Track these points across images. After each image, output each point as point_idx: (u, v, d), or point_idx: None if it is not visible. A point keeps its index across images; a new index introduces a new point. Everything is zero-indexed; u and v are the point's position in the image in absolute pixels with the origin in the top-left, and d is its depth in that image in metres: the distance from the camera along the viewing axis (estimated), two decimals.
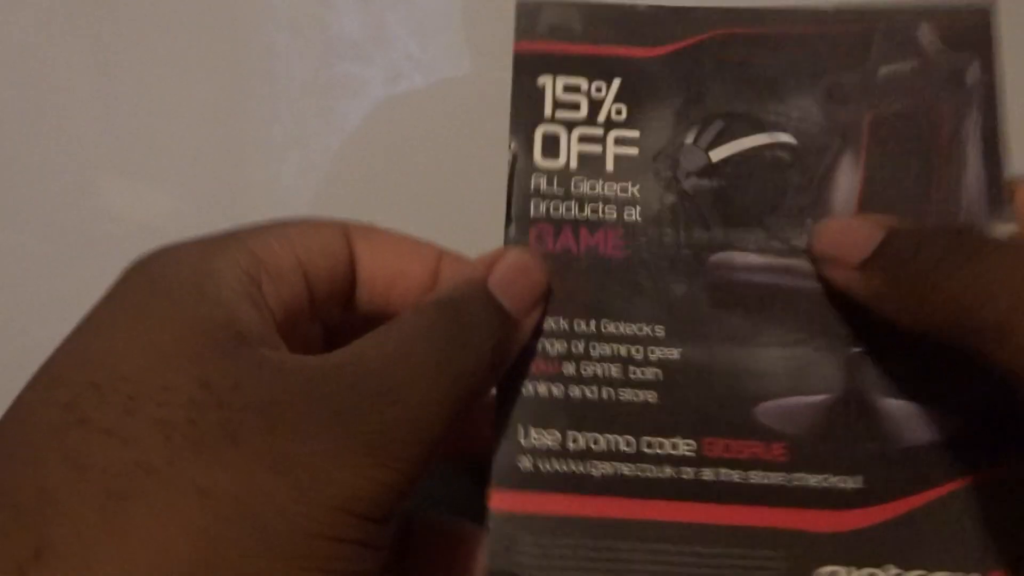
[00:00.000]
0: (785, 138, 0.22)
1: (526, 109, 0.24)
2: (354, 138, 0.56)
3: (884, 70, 0.22)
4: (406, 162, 0.56)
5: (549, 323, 0.22)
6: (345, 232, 0.24)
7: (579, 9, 0.23)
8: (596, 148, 0.23)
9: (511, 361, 0.21)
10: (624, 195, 0.22)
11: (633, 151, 0.22)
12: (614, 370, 0.22)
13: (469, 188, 0.57)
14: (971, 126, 0.22)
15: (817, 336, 0.22)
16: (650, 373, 0.21)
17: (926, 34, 0.22)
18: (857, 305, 0.21)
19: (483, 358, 0.19)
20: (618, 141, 0.22)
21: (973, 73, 0.22)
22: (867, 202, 0.21)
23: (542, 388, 0.22)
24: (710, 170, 0.22)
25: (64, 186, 0.58)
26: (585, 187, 0.22)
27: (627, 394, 0.21)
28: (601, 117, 0.23)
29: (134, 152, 0.57)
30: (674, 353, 0.21)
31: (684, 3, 0.23)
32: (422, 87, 0.55)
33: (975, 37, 0.22)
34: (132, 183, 0.58)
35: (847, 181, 0.21)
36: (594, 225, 0.22)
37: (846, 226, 0.20)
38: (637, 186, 0.22)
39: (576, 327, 0.22)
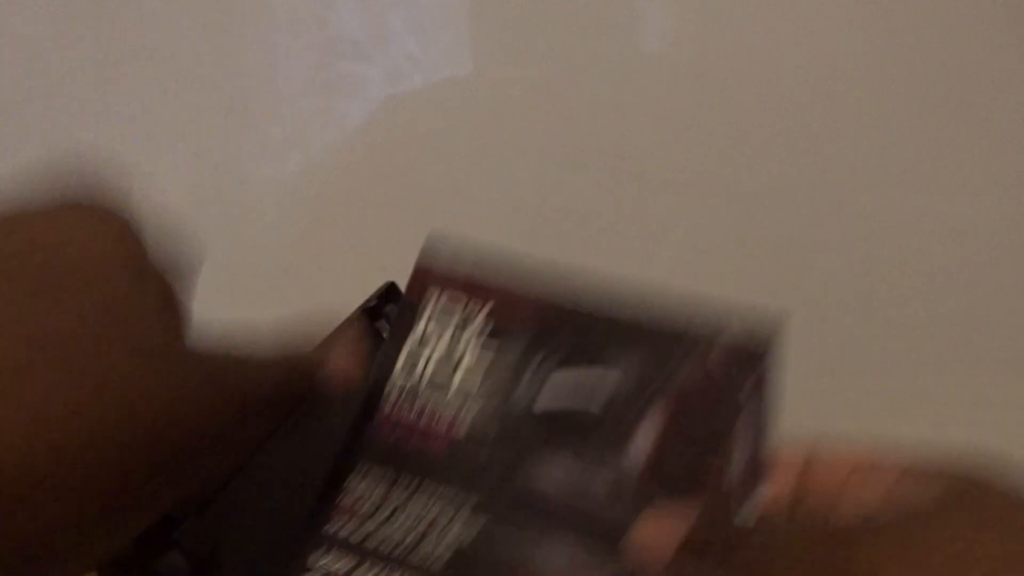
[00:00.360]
0: (611, 372, 0.27)
1: (405, 317, 0.28)
2: (354, 137, 0.56)
3: (691, 355, 0.28)
4: (406, 161, 0.56)
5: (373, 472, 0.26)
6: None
7: (472, 258, 0.29)
8: (447, 370, 0.27)
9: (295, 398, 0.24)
10: (462, 406, 0.26)
11: (478, 376, 0.27)
12: (410, 537, 0.25)
13: (468, 188, 0.57)
14: (745, 421, 0.27)
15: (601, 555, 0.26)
16: (441, 549, 0.24)
17: (721, 347, 0.28)
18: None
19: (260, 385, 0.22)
20: (469, 366, 0.27)
21: (751, 382, 0.28)
22: (655, 462, 0.26)
23: (343, 530, 0.25)
24: (545, 384, 0.27)
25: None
26: (426, 397, 0.27)
27: (416, 559, 0.24)
28: (465, 337, 0.27)
29: (134, 152, 0.57)
30: (466, 540, 0.25)
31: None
32: (422, 87, 0.55)
33: (756, 355, 0.28)
34: (132, 183, 0.58)
35: (643, 443, 0.26)
36: (425, 431, 0.26)
37: (656, 525, 0.24)
38: (474, 404, 0.26)
39: (392, 489, 0.26)
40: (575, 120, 0.54)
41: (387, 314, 0.33)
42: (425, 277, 0.29)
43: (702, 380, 0.27)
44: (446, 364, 0.27)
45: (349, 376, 0.25)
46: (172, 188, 0.58)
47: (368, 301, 0.32)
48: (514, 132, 0.55)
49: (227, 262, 0.58)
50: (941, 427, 0.59)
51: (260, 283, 0.58)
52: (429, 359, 0.27)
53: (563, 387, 0.27)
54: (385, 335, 0.30)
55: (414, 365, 0.27)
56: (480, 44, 0.54)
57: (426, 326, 0.28)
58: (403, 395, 0.27)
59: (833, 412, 0.59)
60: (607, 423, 0.26)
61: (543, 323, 0.28)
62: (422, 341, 0.28)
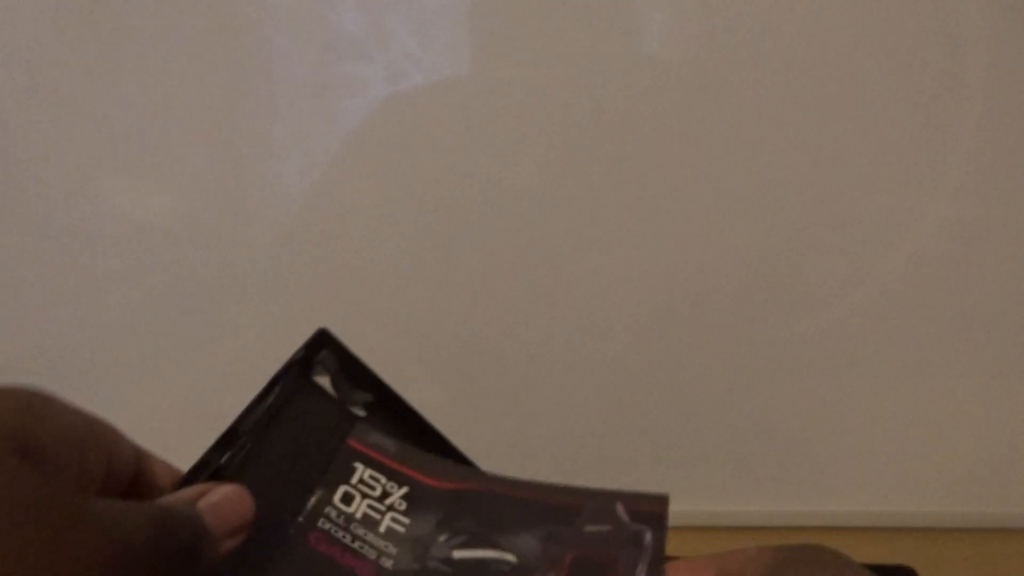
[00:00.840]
0: (509, 556, 0.30)
1: (341, 473, 0.31)
2: (354, 137, 0.56)
3: (588, 528, 0.32)
4: (406, 161, 0.56)
5: None
6: (137, 451, 0.29)
7: (395, 442, 0.33)
8: (377, 515, 0.31)
9: (203, 570, 0.26)
10: (385, 550, 0.30)
11: (402, 529, 0.31)
12: None
13: (468, 187, 0.57)
14: (640, 571, 0.30)
15: None
16: None
17: (620, 509, 0.32)
18: None
19: (173, 559, 0.23)
20: (393, 520, 0.31)
21: (647, 538, 0.31)
22: None
23: None
24: (450, 561, 0.30)
25: (64, 186, 0.58)
26: (360, 531, 0.30)
27: None
28: (387, 502, 0.31)
29: (134, 152, 0.57)
30: None
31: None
32: (422, 86, 0.55)
33: (651, 515, 0.32)
34: (132, 182, 0.58)
35: None
36: (357, 555, 0.29)
37: None
38: (397, 548, 0.30)
39: None
40: (575, 120, 0.54)
41: (320, 361, 0.34)
42: (356, 452, 0.33)
43: (596, 555, 0.31)
44: (375, 511, 0.31)
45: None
46: (172, 188, 0.58)
47: (297, 353, 0.33)
48: (514, 132, 0.55)
49: (227, 261, 0.58)
50: (941, 427, 0.59)
51: (259, 281, 0.58)
52: (361, 503, 0.31)
53: (469, 560, 0.31)
54: (321, 383, 0.34)
55: (350, 500, 0.31)
56: (480, 44, 0.54)
57: (358, 481, 0.32)
58: (340, 519, 0.30)
59: (834, 412, 0.59)
60: None
61: (449, 508, 0.32)
62: (356, 488, 0.31)
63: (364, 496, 0.31)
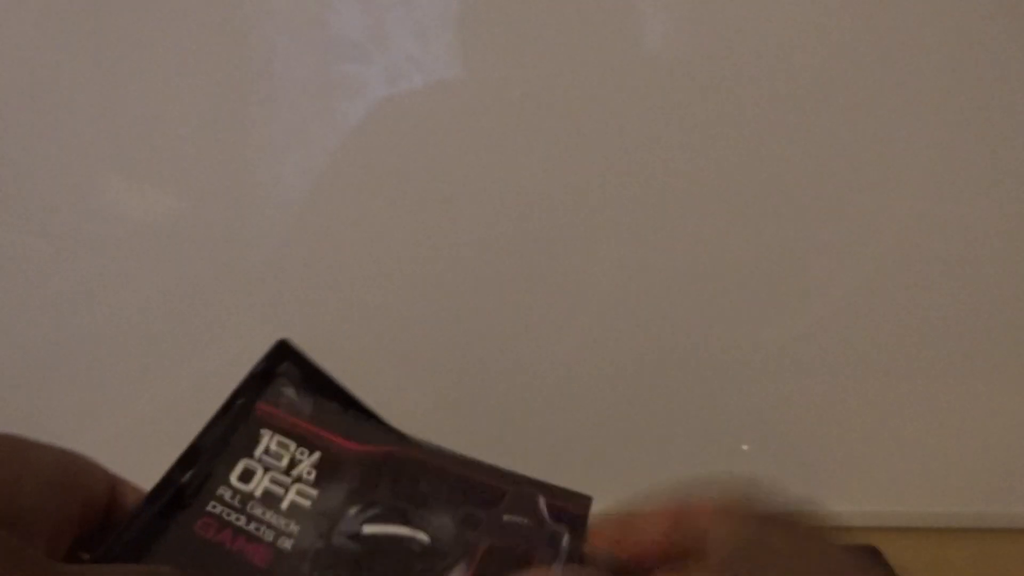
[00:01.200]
0: (422, 536, 0.29)
1: (242, 445, 0.30)
2: (354, 138, 0.56)
3: (507, 517, 0.30)
4: (405, 162, 0.56)
5: None
6: (110, 479, 0.28)
7: (313, 401, 0.31)
8: (280, 490, 0.29)
9: None
10: (286, 529, 0.28)
11: (308, 503, 0.29)
12: None
13: (467, 187, 0.57)
14: (554, 573, 0.29)
15: None
16: None
17: (542, 504, 0.31)
18: None
19: None
20: (299, 493, 0.29)
21: (565, 540, 0.30)
22: None
23: None
24: (359, 537, 0.29)
25: (65, 186, 0.58)
26: (258, 511, 0.28)
27: None
28: (294, 472, 0.30)
29: (135, 152, 0.57)
30: None
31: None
32: (421, 87, 0.55)
33: (573, 516, 0.31)
34: (133, 183, 0.58)
35: None
36: (251, 538, 0.28)
37: None
38: (299, 527, 0.28)
39: None
40: (575, 120, 0.54)
41: (282, 373, 0.33)
42: (265, 416, 0.31)
43: (511, 548, 0.30)
44: (278, 486, 0.29)
45: None
46: (172, 188, 0.58)
47: (257, 365, 0.32)
48: (514, 133, 0.55)
49: (226, 261, 0.59)
50: (941, 427, 0.59)
51: (259, 282, 0.58)
52: (263, 478, 0.29)
53: (378, 536, 0.30)
54: (287, 391, 0.32)
55: (250, 477, 0.29)
56: (480, 46, 0.54)
57: (263, 452, 0.30)
58: (235, 499, 0.28)
59: (834, 412, 0.59)
60: (424, 558, 0.29)
61: (364, 476, 0.30)
62: (259, 461, 0.30)
63: (267, 469, 0.29)
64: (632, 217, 0.56)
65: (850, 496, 0.60)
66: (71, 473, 0.24)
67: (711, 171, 0.55)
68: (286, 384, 0.32)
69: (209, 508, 0.28)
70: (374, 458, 0.31)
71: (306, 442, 0.30)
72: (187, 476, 0.28)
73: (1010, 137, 0.53)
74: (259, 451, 0.30)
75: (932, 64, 0.52)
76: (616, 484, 0.60)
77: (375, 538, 0.29)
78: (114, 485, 0.27)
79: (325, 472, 0.30)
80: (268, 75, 0.55)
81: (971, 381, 0.57)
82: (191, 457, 0.29)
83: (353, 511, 0.29)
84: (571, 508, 0.31)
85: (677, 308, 0.57)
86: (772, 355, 0.57)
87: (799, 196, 0.55)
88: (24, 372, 0.61)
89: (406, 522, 0.30)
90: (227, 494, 0.28)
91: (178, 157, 0.57)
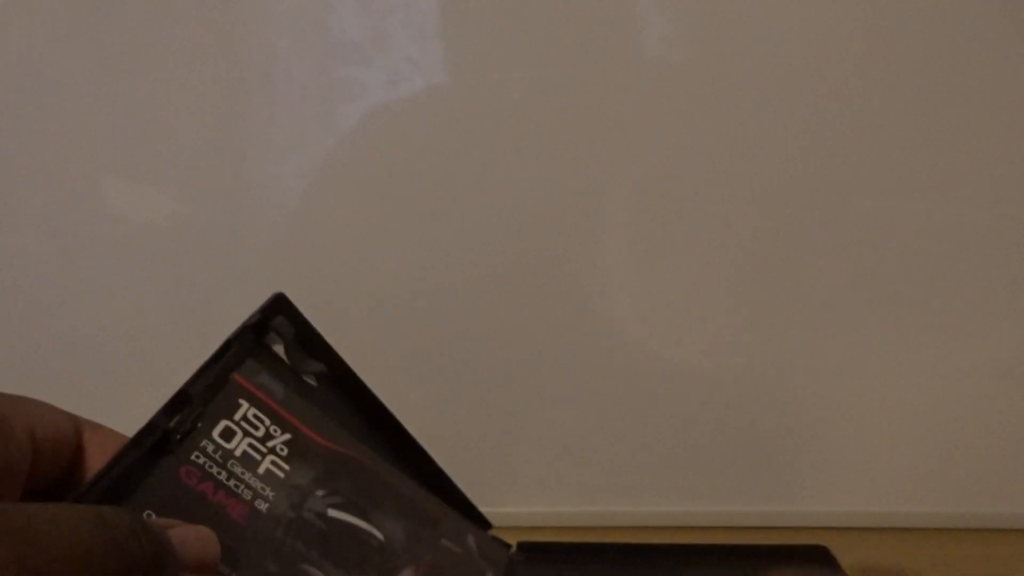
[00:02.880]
0: (378, 534, 0.31)
1: (224, 407, 0.30)
2: (354, 140, 0.56)
3: (444, 542, 0.33)
4: (406, 165, 0.56)
5: None
6: (76, 423, 0.26)
7: (287, 384, 0.32)
8: (257, 456, 0.30)
9: None
10: (262, 492, 0.29)
11: (281, 475, 0.30)
12: None
13: (467, 191, 0.57)
14: None
15: None
16: None
17: (471, 540, 0.34)
18: None
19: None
20: (274, 463, 0.30)
21: (493, 572, 0.33)
22: None
23: None
24: (325, 517, 0.30)
25: (65, 187, 0.58)
26: (238, 470, 0.29)
27: None
28: (269, 444, 0.30)
29: (135, 154, 0.57)
30: None
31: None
32: (422, 90, 0.55)
33: (494, 559, 0.34)
34: (133, 184, 0.59)
35: None
36: (232, 493, 0.28)
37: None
38: (274, 493, 0.29)
39: None
40: (575, 124, 0.54)
41: (275, 327, 0.34)
42: (242, 388, 0.31)
43: (452, 557, 0.33)
44: (255, 451, 0.30)
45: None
46: (172, 190, 0.58)
47: (252, 316, 0.33)
48: (515, 136, 0.55)
49: (226, 263, 0.59)
50: (942, 427, 0.59)
51: (258, 282, 0.58)
52: (242, 440, 0.30)
53: (342, 522, 0.31)
54: (275, 350, 0.33)
55: (231, 436, 0.30)
56: (481, 48, 0.54)
57: (241, 419, 0.30)
58: (217, 454, 0.29)
59: (833, 412, 0.59)
60: (378, 554, 0.31)
61: (328, 466, 0.32)
62: (238, 425, 0.30)
63: (246, 434, 0.30)
64: (636, 216, 0.56)
65: (850, 496, 0.60)
66: (14, 407, 0.23)
67: (711, 171, 0.55)
68: (259, 363, 0.32)
69: (193, 457, 0.28)
70: (336, 455, 0.32)
71: (278, 421, 0.31)
72: (174, 421, 0.28)
73: (1011, 136, 0.53)
74: (238, 416, 0.30)
75: (932, 64, 0.52)
76: (605, 485, 0.60)
77: (339, 522, 0.30)
78: (80, 427, 0.26)
79: (295, 452, 0.31)
80: (268, 78, 0.55)
81: (971, 381, 0.57)
82: (179, 403, 0.29)
83: (320, 493, 0.31)
84: (493, 553, 0.35)
85: (677, 307, 0.57)
86: (771, 354, 0.58)
87: (800, 196, 0.55)
88: (24, 372, 0.61)
89: (366, 518, 0.31)
90: (210, 447, 0.29)
91: (178, 159, 0.57)
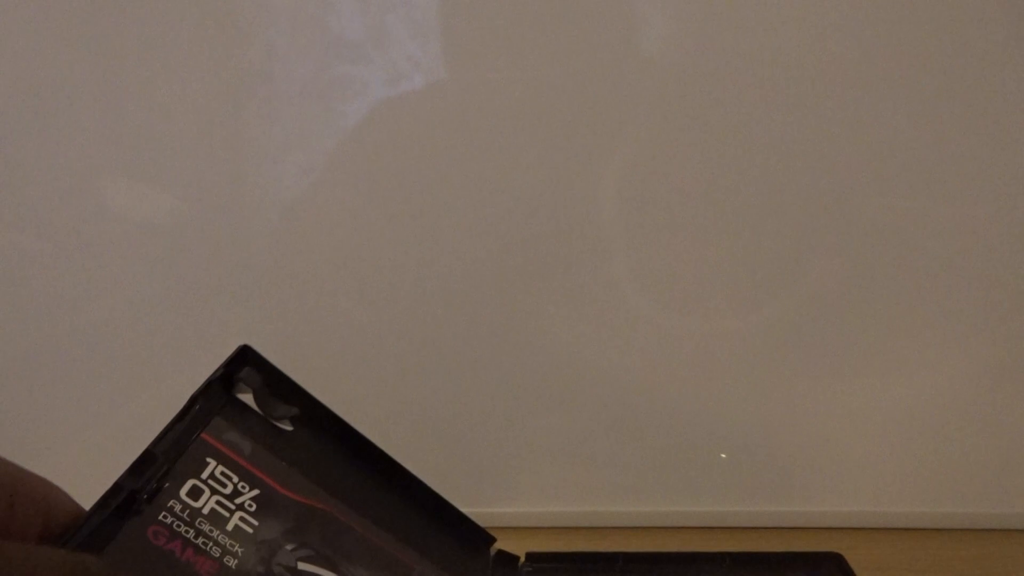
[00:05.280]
0: None
1: (190, 467, 0.30)
2: (354, 139, 0.56)
3: None
4: (406, 163, 0.56)
5: None
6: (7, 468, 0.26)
7: (255, 439, 0.33)
8: (226, 513, 0.30)
9: None
10: (231, 549, 0.29)
11: (250, 530, 0.30)
12: None
13: (468, 189, 0.57)
14: None
15: None
16: None
17: None
18: None
19: None
20: (242, 520, 0.30)
21: None
22: None
23: None
24: (294, 571, 0.31)
25: (65, 186, 0.58)
26: (206, 527, 0.29)
27: None
28: (237, 501, 0.31)
29: (134, 152, 0.57)
30: None
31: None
32: (422, 88, 0.55)
33: None
34: (133, 183, 0.58)
35: None
36: (199, 551, 0.28)
37: None
38: (243, 549, 0.30)
39: None
40: (576, 122, 0.54)
41: (242, 378, 0.34)
42: (210, 447, 0.32)
43: None
44: (224, 509, 0.30)
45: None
46: (172, 188, 0.58)
47: (216, 371, 0.33)
48: (516, 135, 0.55)
49: (226, 262, 0.59)
50: (940, 427, 0.59)
51: (258, 283, 0.58)
52: (210, 498, 0.30)
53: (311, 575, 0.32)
54: (243, 399, 0.33)
55: (198, 495, 0.30)
56: (481, 46, 0.54)
57: (209, 477, 0.31)
58: (185, 513, 0.29)
59: (833, 412, 0.59)
60: None
61: (298, 520, 0.32)
62: (206, 483, 0.30)
63: (214, 492, 0.30)
64: (636, 216, 0.56)
65: (850, 496, 0.60)
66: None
67: (711, 171, 0.55)
68: (226, 421, 0.33)
69: (161, 517, 0.28)
70: (304, 508, 0.33)
71: (246, 478, 0.32)
72: (140, 482, 0.28)
73: (1011, 136, 0.53)
74: (205, 474, 0.30)
75: (933, 63, 0.52)
76: (605, 485, 0.60)
77: (309, 575, 0.31)
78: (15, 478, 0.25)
79: (263, 508, 0.31)
80: (267, 76, 0.55)
81: (971, 380, 0.57)
82: (144, 463, 0.29)
83: (289, 547, 0.31)
84: None
85: (676, 307, 0.57)
86: (771, 354, 0.58)
87: (799, 196, 0.55)
88: (23, 372, 0.61)
89: (336, 569, 0.32)
90: (177, 507, 0.29)
91: (177, 157, 0.57)
